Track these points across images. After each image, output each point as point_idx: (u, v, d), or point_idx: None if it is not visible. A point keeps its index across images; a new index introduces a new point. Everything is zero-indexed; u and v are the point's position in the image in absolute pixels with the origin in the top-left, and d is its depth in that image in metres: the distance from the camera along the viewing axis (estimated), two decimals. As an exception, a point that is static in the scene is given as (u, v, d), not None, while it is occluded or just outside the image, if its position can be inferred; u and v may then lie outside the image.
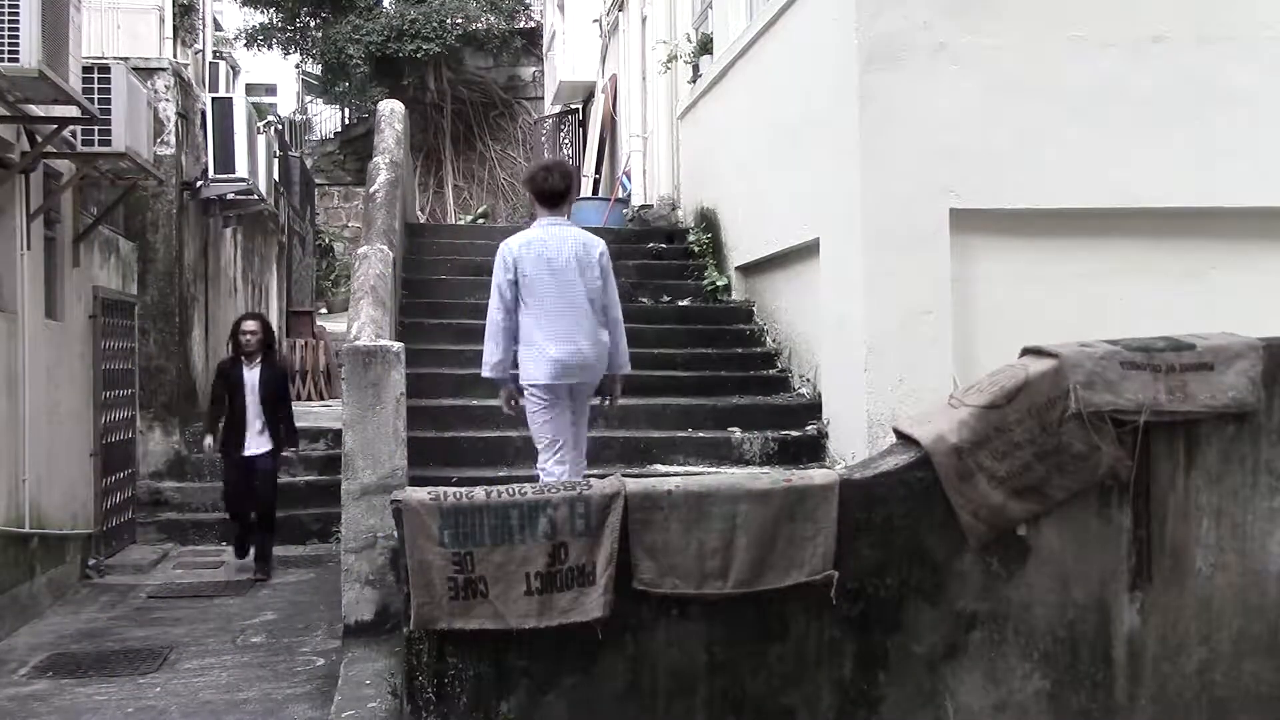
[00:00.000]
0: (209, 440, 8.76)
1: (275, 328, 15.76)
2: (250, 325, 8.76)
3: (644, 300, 8.96)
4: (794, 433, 6.99)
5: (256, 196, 12.42)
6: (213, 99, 11.68)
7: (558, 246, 5.61)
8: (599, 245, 5.77)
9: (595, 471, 5.83)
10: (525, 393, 5.67)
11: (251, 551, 8.83)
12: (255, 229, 14.84)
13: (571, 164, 5.74)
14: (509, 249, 5.63)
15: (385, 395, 5.38)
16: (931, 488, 4.14)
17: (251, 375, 8.58)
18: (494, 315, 5.65)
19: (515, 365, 5.70)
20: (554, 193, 5.76)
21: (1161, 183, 6.35)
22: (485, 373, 5.74)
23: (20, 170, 7.58)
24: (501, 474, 6.28)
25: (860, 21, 6.29)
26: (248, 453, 8.52)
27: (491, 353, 5.66)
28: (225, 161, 11.29)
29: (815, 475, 4.27)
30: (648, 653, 4.01)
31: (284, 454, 8.85)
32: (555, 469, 5.58)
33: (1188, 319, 4.91)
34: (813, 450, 6.91)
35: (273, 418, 8.57)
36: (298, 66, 28.01)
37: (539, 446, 5.66)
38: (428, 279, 9.17)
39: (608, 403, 5.94)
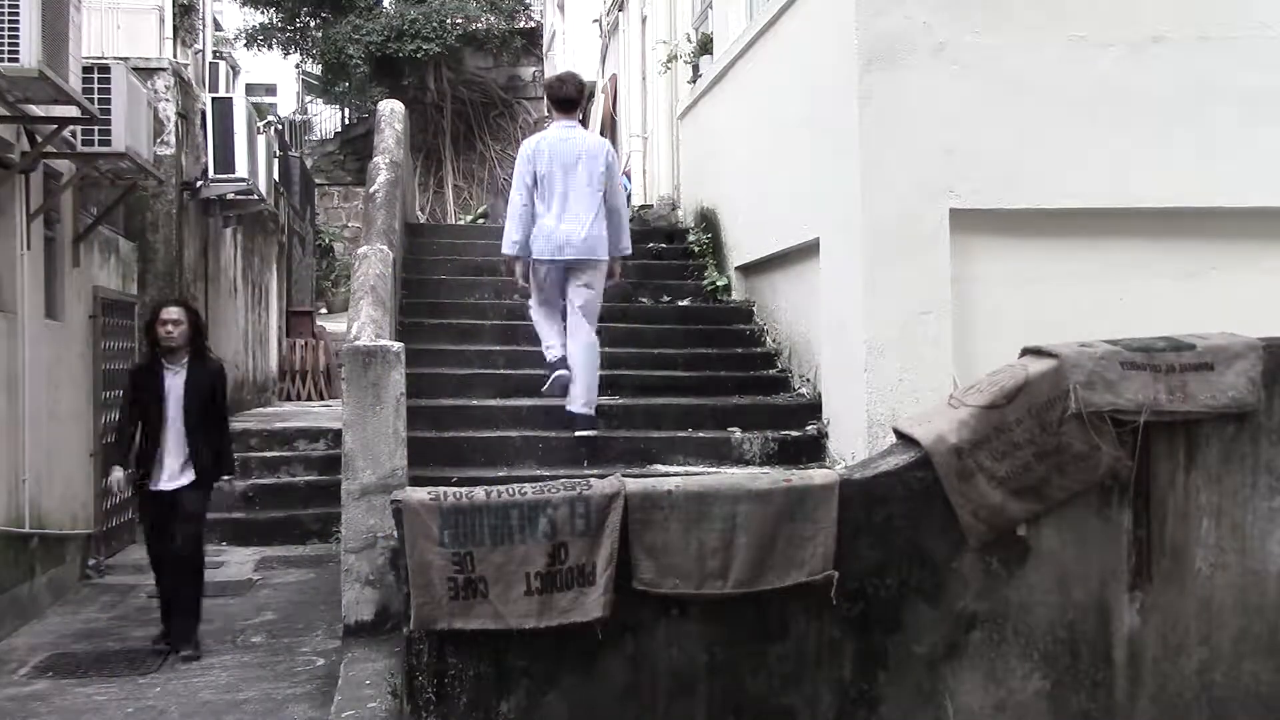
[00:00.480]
0: (117, 474, 6.61)
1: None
2: (171, 313, 6.63)
3: (644, 300, 8.96)
4: (794, 433, 6.99)
5: (256, 196, 12.42)
6: (213, 99, 11.69)
7: (568, 147, 6.72)
8: (604, 145, 6.96)
9: (595, 471, 5.83)
10: (531, 268, 6.77)
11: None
12: (255, 229, 14.84)
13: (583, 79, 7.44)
14: (528, 147, 6.87)
15: (385, 395, 5.38)
16: (931, 488, 4.14)
17: (175, 380, 6.55)
18: (515, 202, 6.79)
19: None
20: (567, 99, 6.92)
21: (1161, 183, 6.35)
22: (505, 249, 6.87)
23: (20, 170, 7.58)
24: (501, 474, 6.28)
25: (860, 21, 6.29)
26: (165, 485, 6.51)
27: (511, 232, 6.77)
28: (225, 161, 11.30)
29: (815, 475, 4.27)
30: (648, 653, 4.01)
31: (219, 485, 7.00)
32: (539, 308, 6.86)
33: (1188, 319, 4.91)
34: (813, 450, 6.90)
35: (202, 436, 6.53)
36: (298, 66, 28.03)
37: (535, 319, 6.94)
38: (428, 279, 9.17)
39: (611, 279, 7.00)
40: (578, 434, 6.59)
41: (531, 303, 6.95)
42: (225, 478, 7.06)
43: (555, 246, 6.63)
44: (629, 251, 7.15)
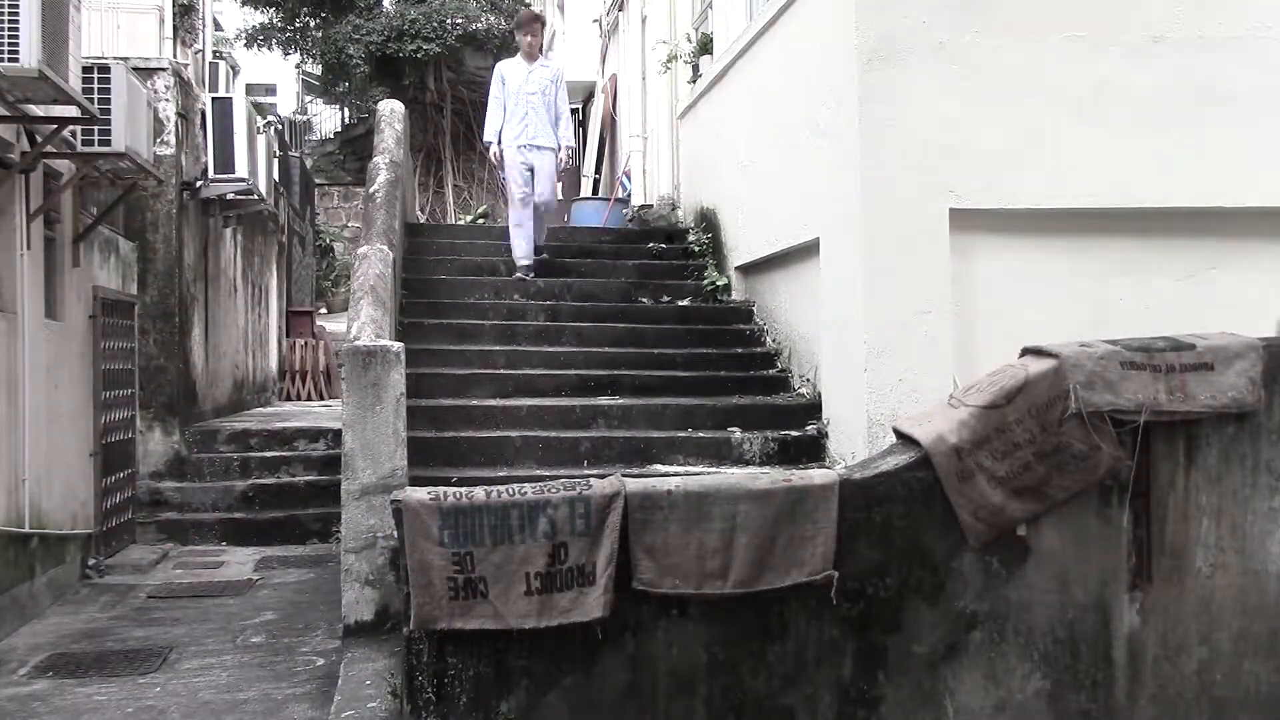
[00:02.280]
0: None
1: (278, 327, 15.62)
2: None
3: (644, 300, 8.96)
4: (794, 433, 6.99)
5: (256, 196, 12.42)
6: (213, 99, 11.68)
7: (529, 68, 9.38)
8: (557, 69, 9.80)
9: (595, 471, 5.84)
10: (503, 152, 9.30)
11: None
12: (255, 229, 14.84)
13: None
14: (499, 69, 9.49)
15: (385, 395, 5.38)
16: (931, 488, 4.14)
17: None
18: (490, 106, 9.42)
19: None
20: (522, 23, 9.76)
21: (1161, 183, 6.35)
22: (486, 137, 9.54)
23: (20, 170, 7.58)
24: (501, 474, 6.28)
25: (860, 21, 6.29)
26: None
27: (489, 126, 9.43)
28: (225, 161, 11.29)
29: (815, 475, 4.27)
30: (648, 653, 4.01)
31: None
32: (520, 214, 9.18)
33: (1188, 319, 4.91)
34: (813, 450, 6.90)
35: None
36: (298, 66, 28.03)
37: (509, 199, 9.39)
38: (428, 279, 9.16)
39: (560, 167, 9.54)
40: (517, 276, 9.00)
41: (510, 214, 9.32)
42: None
43: (514, 137, 9.24)
44: (572, 144, 9.82)
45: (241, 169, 11.39)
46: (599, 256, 9.88)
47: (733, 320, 8.69)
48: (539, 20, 10.03)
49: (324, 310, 24.01)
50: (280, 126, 19.08)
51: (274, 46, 24.35)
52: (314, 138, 27.74)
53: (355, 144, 25.39)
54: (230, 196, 11.98)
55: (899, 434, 4.42)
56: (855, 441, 6.32)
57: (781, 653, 4.07)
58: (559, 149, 9.43)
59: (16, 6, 6.32)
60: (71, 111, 7.41)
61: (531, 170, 9.28)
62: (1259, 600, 4.34)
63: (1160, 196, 6.37)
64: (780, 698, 4.08)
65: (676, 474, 5.84)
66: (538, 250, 9.33)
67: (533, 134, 9.28)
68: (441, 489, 4.02)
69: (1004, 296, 6.32)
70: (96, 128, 7.93)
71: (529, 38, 9.52)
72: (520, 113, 9.29)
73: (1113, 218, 6.42)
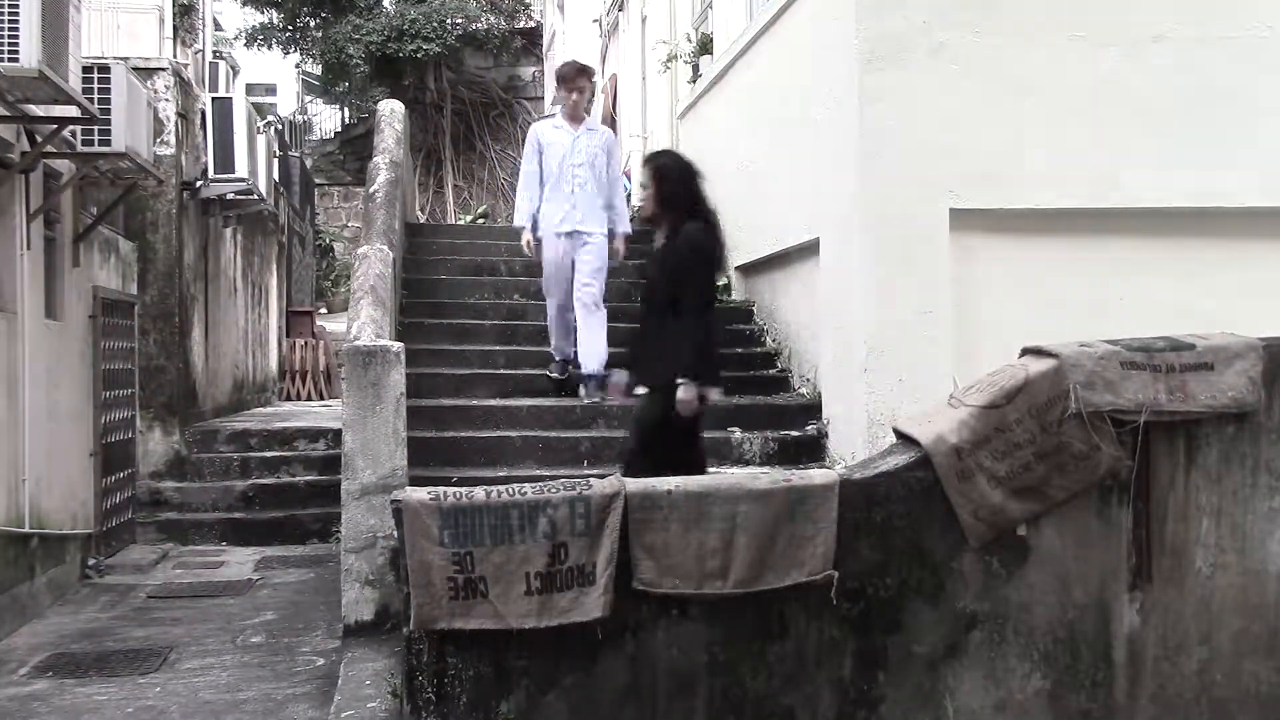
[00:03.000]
0: (687, 392, 5.08)
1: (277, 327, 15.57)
2: (641, 178, 5.82)
3: (644, 300, 8.95)
4: (794, 433, 6.99)
5: (256, 196, 12.42)
6: (213, 99, 11.68)
7: (574, 133, 7.48)
8: (608, 135, 7.77)
9: (595, 471, 5.84)
10: (540, 241, 7.49)
11: None
12: (255, 229, 14.84)
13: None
14: (534, 132, 7.64)
15: (385, 395, 5.38)
16: (931, 488, 4.14)
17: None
18: (523, 180, 7.59)
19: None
20: (565, 76, 7.65)
21: (1161, 183, 6.35)
22: (516, 220, 7.73)
23: (20, 170, 7.58)
24: (501, 474, 6.28)
25: (860, 21, 6.29)
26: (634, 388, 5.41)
27: (520, 207, 7.60)
28: (225, 161, 11.29)
29: (815, 475, 4.27)
30: (648, 653, 4.01)
31: (680, 398, 4.98)
32: (561, 343, 7.57)
33: (1188, 319, 4.91)
34: (813, 450, 6.90)
35: (664, 331, 5.17)
36: (298, 66, 28.05)
37: (549, 315, 7.67)
38: (428, 279, 9.17)
39: (614, 260, 7.70)
40: (586, 400, 7.24)
41: (548, 297, 7.63)
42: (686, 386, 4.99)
43: (557, 222, 7.41)
44: (629, 231, 7.74)
45: (241, 169, 11.38)
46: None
47: (733, 320, 8.70)
48: (586, 73, 7.82)
49: (324, 310, 24.00)
50: (280, 126, 19.08)
51: (274, 46, 24.37)
52: (314, 138, 27.74)
53: (355, 144, 25.39)
54: (230, 196, 11.98)
55: (899, 434, 4.42)
56: (855, 441, 6.32)
57: (781, 653, 4.07)
58: (613, 237, 7.58)
59: (16, 6, 6.31)
60: (71, 111, 7.41)
61: (573, 263, 7.42)
62: (1259, 600, 4.34)
63: (1160, 196, 6.37)
64: (780, 698, 4.08)
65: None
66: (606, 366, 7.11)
67: (579, 218, 7.39)
68: (441, 489, 4.02)
69: (1004, 296, 6.32)
70: (96, 128, 7.93)
71: (574, 95, 7.50)
72: (563, 190, 7.38)
73: (1113, 218, 6.42)
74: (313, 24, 24.30)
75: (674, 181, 5.21)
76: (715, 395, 5.15)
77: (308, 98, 29.74)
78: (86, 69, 7.74)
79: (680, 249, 5.11)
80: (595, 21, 16.10)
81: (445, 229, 13.70)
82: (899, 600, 4.13)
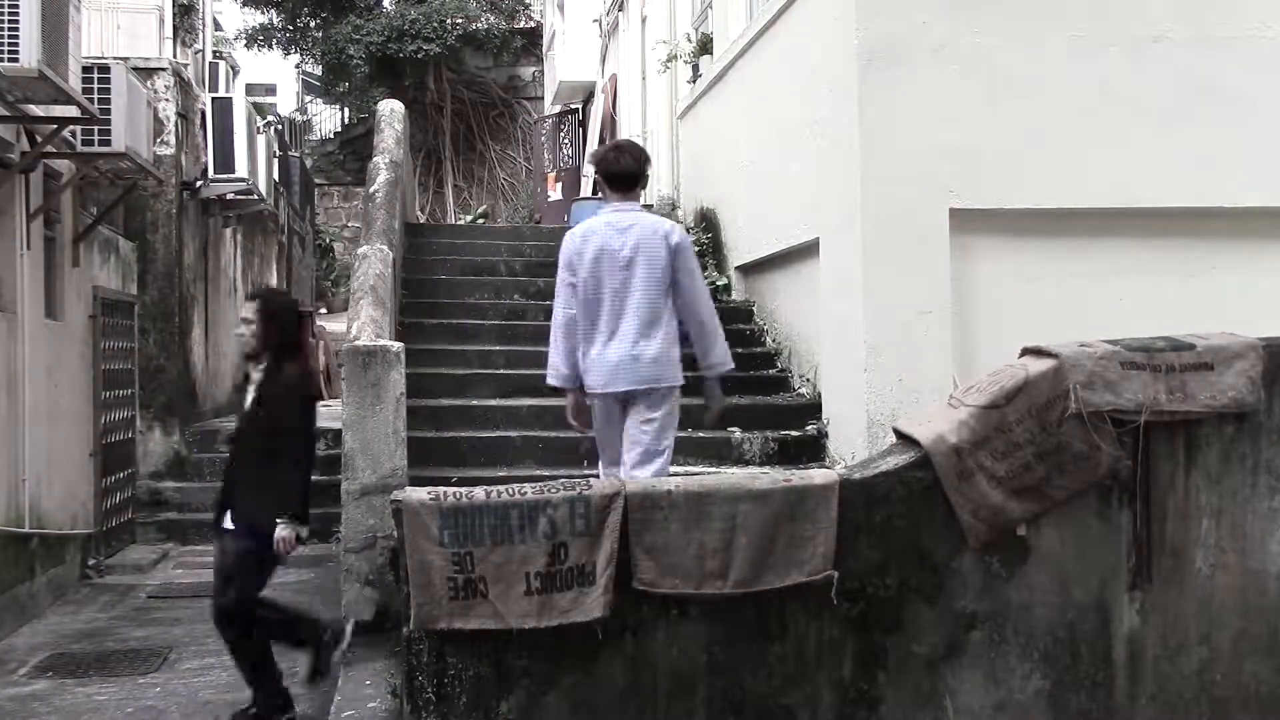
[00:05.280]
0: (286, 531, 4.96)
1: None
2: (245, 311, 5.24)
3: (644, 300, 8.93)
4: (794, 433, 6.99)
5: (256, 196, 12.42)
6: (213, 99, 11.69)
7: (621, 237, 5.03)
8: (674, 233, 5.11)
9: (595, 471, 5.83)
10: (589, 404, 5.21)
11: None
12: (255, 229, 14.84)
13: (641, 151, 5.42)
14: (569, 244, 5.15)
15: (385, 395, 5.38)
16: (931, 488, 4.14)
17: (246, 397, 5.21)
18: (556, 317, 5.22)
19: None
20: (624, 175, 5.17)
21: (1161, 183, 6.35)
22: (550, 380, 5.32)
23: (20, 170, 7.58)
24: (501, 474, 6.28)
25: (860, 21, 6.29)
26: (225, 524, 5.10)
27: (553, 357, 5.22)
28: (225, 161, 11.29)
29: (815, 475, 4.27)
30: (648, 653, 4.01)
31: (279, 537, 4.89)
32: None
33: (1188, 319, 4.91)
34: (813, 450, 6.90)
35: (261, 470, 4.98)
36: (298, 66, 28.07)
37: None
38: (428, 279, 9.17)
39: (710, 410, 5.49)
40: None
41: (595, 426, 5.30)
42: (287, 528, 4.92)
43: (605, 374, 5.07)
44: (727, 364, 5.34)
45: (241, 169, 11.39)
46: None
47: (733, 320, 8.68)
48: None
49: (324, 310, 23.99)
50: (280, 126, 19.08)
51: (274, 46, 24.38)
52: (314, 138, 27.75)
53: (355, 144, 25.38)
54: (230, 196, 11.99)
55: (899, 434, 4.42)
56: (855, 441, 6.32)
57: (781, 653, 4.07)
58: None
59: (16, 6, 6.32)
60: (71, 111, 7.41)
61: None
62: (1259, 600, 4.34)
63: (1160, 196, 6.37)
64: (780, 698, 4.07)
65: (676, 474, 5.84)
66: None
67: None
68: (441, 489, 4.02)
69: (1004, 296, 6.32)
70: (96, 128, 7.94)
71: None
72: (609, 309, 5.08)
73: (1113, 218, 6.42)
74: (313, 24, 24.31)
75: (280, 322, 5.12)
76: (305, 533, 5.06)
77: (308, 98, 29.75)
78: (86, 69, 7.75)
79: (280, 391, 5.04)
80: (595, 21, 16.10)
81: (445, 229, 13.71)
82: (899, 600, 4.13)
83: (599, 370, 5.06)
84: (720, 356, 5.25)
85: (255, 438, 5.11)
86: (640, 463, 5.04)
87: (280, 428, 5.01)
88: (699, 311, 5.17)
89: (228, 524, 5.08)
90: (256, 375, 5.13)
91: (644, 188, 5.47)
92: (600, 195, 5.44)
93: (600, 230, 5.09)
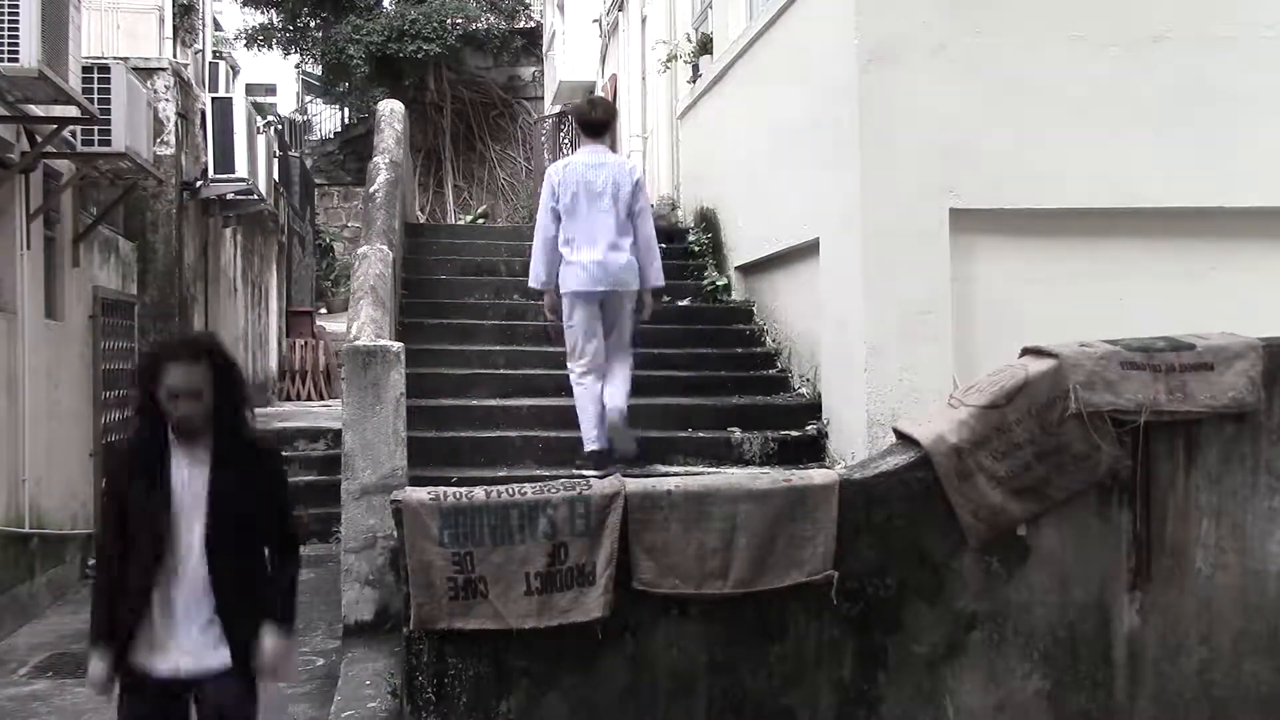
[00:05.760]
0: (98, 664, 3.47)
1: (277, 337, 15.42)
2: (181, 377, 3.44)
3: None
4: (794, 433, 6.99)
5: (256, 196, 12.43)
6: (212, 99, 11.70)
7: (596, 172, 6.39)
8: (635, 170, 6.65)
9: (595, 472, 5.83)
10: (562, 301, 6.41)
11: None
12: (255, 229, 14.85)
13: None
14: (553, 175, 6.48)
15: (385, 395, 5.38)
16: (931, 488, 4.14)
17: (191, 474, 3.51)
18: (539, 234, 6.48)
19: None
20: (596, 124, 6.62)
21: (1161, 183, 6.34)
22: (531, 284, 6.65)
23: (20, 170, 7.59)
24: (501, 474, 6.28)
25: (860, 21, 6.28)
26: (174, 670, 3.47)
27: (536, 266, 6.52)
28: (225, 161, 11.31)
29: (815, 475, 4.27)
30: (648, 653, 4.01)
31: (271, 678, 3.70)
32: (583, 379, 6.38)
33: (1188, 319, 4.91)
34: (813, 450, 6.90)
35: (243, 584, 3.51)
36: (298, 66, 28.06)
37: (568, 352, 6.49)
38: (428, 279, 9.16)
39: (641, 314, 6.65)
40: (613, 472, 5.55)
41: (572, 369, 6.44)
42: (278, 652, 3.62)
43: (587, 279, 6.33)
44: (661, 283, 6.73)
45: (241, 169, 11.40)
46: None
47: (733, 320, 8.69)
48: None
49: (324, 310, 24.02)
50: (280, 126, 19.09)
51: (274, 46, 24.36)
52: (314, 138, 27.75)
53: (355, 144, 25.38)
54: (230, 196, 12.00)
55: (899, 434, 4.42)
56: (855, 441, 6.32)
57: (781, 653, 4.07)
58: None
59: (16, 6, 6.33)
60: (71, 111, 7.42)
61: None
62: (1259, 600, 4.34)
63: (1160, 196, 6.36)
64: (780, 698, 4.07)
65: (676, 474, 5.84)
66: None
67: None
68: (441, 489, 4.02)
69: (1004, 296, 6.32)
70: (96, 128, 7.94)
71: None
72: (587, 228, 6.37)
73: (1113, 218, 6.42)
74: (313, 24, 24.30)
75: (237, 377, 3.60)
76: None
77: (308, 98, 29.74)
78: (86, 69, 7.76)
79: (257, 471, 3.57)
80: (595, 21, 16.10)
81: (445, 229, 13.70)
82: (899, 600, 4.13)
83: (583, 276, 6.31)
84: (657, 274, 6.64)
85: (225, 547, 3.47)
86: (618, 355, 6.44)
87: (274, 513, 3.61)
88: (647, 235, 6.54)
89: (211, 665, 3.48)
90: (190, 462, 3.49)
91: (612, 135, 6.97)
92: (586, 139, 6.68)
93: (579, 167, 6.44)
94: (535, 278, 6.55)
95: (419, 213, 22.51)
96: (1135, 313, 5.96)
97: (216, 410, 3.50)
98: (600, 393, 6.36)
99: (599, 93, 15.50)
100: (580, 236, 6.33)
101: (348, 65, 22.53)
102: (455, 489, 4.02)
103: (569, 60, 17.24)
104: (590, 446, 6.33)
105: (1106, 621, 4.25)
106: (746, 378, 7.85)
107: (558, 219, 6.37)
